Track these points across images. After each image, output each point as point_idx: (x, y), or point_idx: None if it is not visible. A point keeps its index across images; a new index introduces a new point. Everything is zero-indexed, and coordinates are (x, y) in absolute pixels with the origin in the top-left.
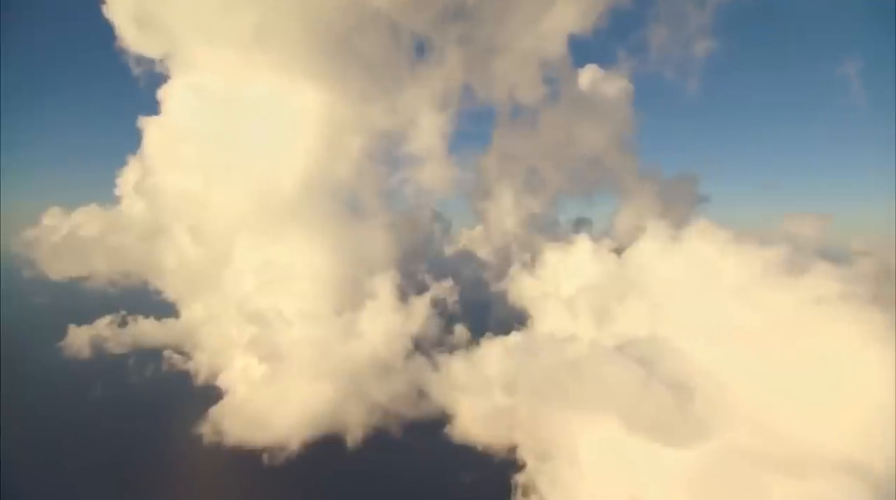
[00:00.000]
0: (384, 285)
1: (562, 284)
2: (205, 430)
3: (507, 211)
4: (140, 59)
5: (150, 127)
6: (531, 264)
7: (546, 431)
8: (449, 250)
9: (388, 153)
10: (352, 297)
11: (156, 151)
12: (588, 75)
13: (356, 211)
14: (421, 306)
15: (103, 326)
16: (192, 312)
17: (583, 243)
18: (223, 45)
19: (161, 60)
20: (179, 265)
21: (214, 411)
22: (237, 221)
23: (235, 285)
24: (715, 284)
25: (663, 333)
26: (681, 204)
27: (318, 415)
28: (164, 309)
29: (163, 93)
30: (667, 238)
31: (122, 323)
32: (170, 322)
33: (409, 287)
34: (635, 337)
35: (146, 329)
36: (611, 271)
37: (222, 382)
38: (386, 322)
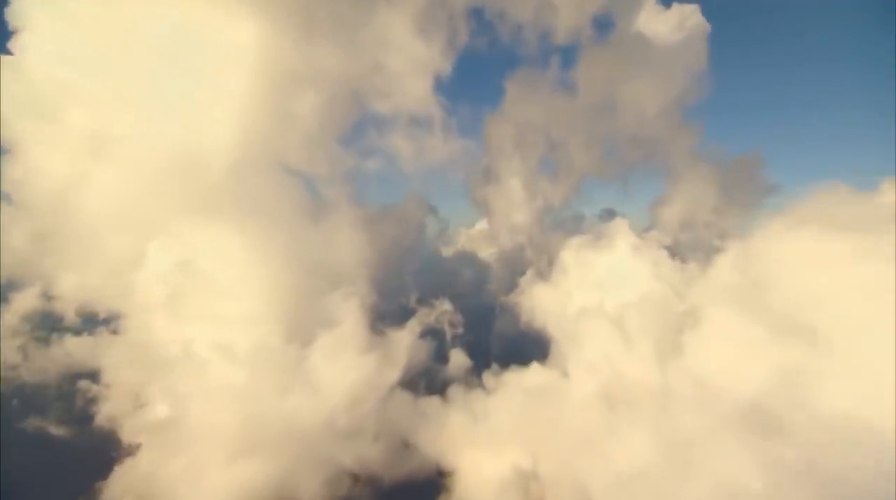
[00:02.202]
0: (352, 304)
1: (596, 295)
2: None
3: (517, 200)
4: None
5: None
6: (550, 269)
7: None
8: (444, 254)
9: (358, 116)
10: (306, 321)
11: (12, 113)
12: (650, 9)
13: (313, 200)
14: (406, 329)
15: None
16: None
17: (622, 237)
18: None
19: None
20: (75, 271)
21: (110, 480)
22: (139, 212)
23: (139, 299)
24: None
25: (809, 383)
26: (743, 194)
27: (257, 490)
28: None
29: (17, 22)
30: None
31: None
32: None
33: (391, 303)
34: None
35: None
36: (672, 277)
37: (127, 436)
38: (354, 356)
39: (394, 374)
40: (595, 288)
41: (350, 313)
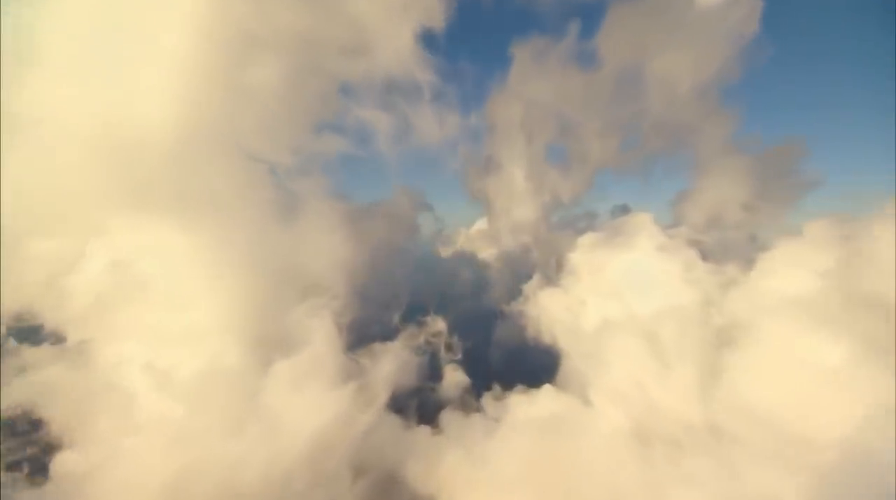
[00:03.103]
0: (328, 317)
1: (614, 303)
2: None
3: (522, 194)
4: None
5: None
6: (558, 272)
7: None
8: (439, 257)
9: (332, 89)
10: (269, 339)
11: None
12: None
13: (281, 192)
14: (392, 345)
15: None
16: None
17: (645, 233)
18: None
19: None
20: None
21: None
22: (64, 208)
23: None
24: None
25: None
26: (781, 188)
27: None
28: None
29: None
30: None
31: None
32: None
33: (376, 315)
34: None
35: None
36: (707, 282)
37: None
38: (328, 382)
39: (377, 399)
40: (613, 295)
41: (324, 329)
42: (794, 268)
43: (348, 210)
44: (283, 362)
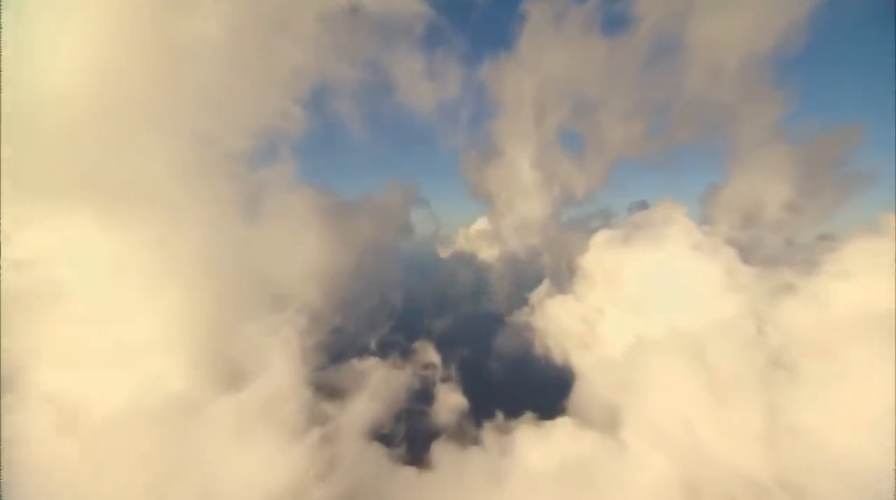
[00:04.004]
0: (291, 336)
1: (639, 315)
2: None
3: (529, 187)
4: None
5: None
6: (571, 277)
7: None
8: (433, 261)
9: (309, 47)
10: (220, 361)
11: None
12: None
13: (239, 183)
14: (375, 362)
15: None
16: None
17: (677, 229)
18: None
19: None
20: None
21: None
22: None
23: None
24: None
25: None
26: (831, 181)
27: None
28: None
29: None
30: None
31: None
32: None
33: (357, 326)
34: None
35: None
36: (756, 292)
37: None
38: (296, 416)
39: (354, 428)
40: (636, 305)
41: (290, 350)
42: (874, 272)
43: (327, 205)
44: (232, 395)
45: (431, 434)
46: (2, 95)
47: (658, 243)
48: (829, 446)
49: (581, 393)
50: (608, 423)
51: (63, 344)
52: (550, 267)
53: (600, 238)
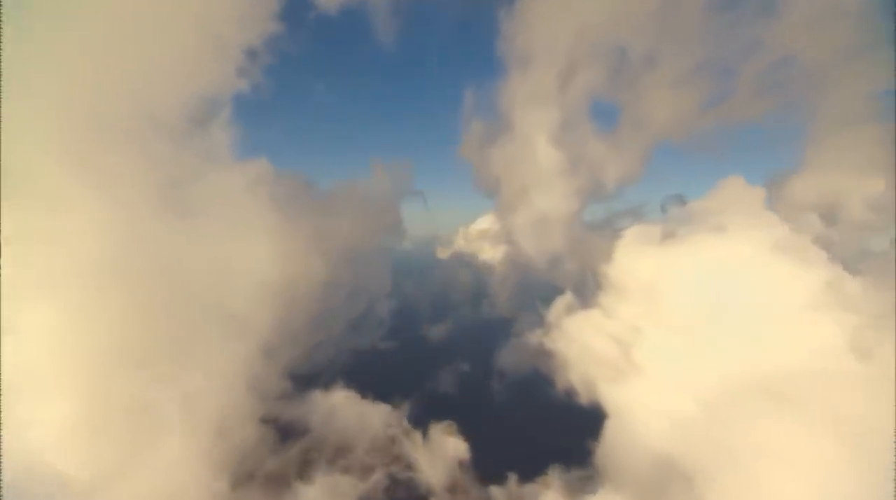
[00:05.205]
0: (246, 357)
1: (698, 338)
2: None
3: (548, 173)
4: None
5: None
6: (598, 287)
7: None
8: (428, 264)
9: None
10: (125, 407)
11: None
12: None
13: (172, 166)
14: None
15: None
16: None
17: (750, 219)
18: None
19: None
20: None
21: None
22: None
23: None
24: None
25: None
26: None
27: None
28: None
29: None
30: None
31: None
32: None
33: (325, 349)
34: None
35: None
36: (869, 312)
37: None
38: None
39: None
40: (689, 325)
41: (238, 376)
42: None
43: (296, 194)
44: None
45: (421, 498)
46: None
47: (721, 241)
48: None
49: (615, 442)
50: (660, 491)
51: None
52: (572, 274)
53: (633, 235)
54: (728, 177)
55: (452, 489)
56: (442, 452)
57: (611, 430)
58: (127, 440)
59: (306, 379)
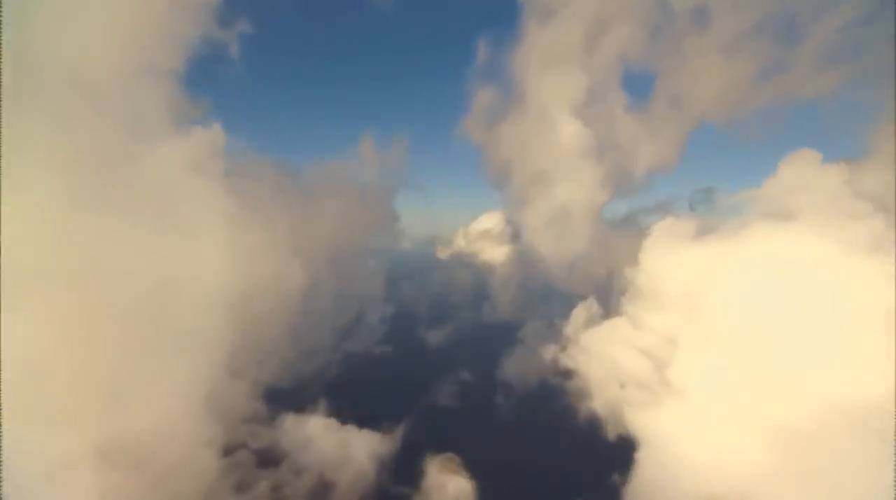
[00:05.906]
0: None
1: (753, 348)
2: None
3: (567, 157)
4: None
5: None
6: (624, 294)
7: None
8: (424, 266)
9: None
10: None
11: None
12: None
13: (112, 145)
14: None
15: None
16: None
17: (826, 211)
18: None
19: None
20: None
21: None
22: None
23: None
24: None
25: None
26: None
27: None
28: None
29: None
30: None
31: None
32: None
33: (301, 370)
34: None
35: None
36: None
37: None
38: None
39: None
40: (743, 337)
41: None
42: None
43: (266, 177)
44: None
45: None
46: None
47: (788, 233)
48: None
49: (648, 477)
50: None
51: None
52: (590, 278)
53: (664, 231)
54: (798, 151)
55: None
56: (442, 493)
57: (642, 463)
58: None
59: (285, 396)
